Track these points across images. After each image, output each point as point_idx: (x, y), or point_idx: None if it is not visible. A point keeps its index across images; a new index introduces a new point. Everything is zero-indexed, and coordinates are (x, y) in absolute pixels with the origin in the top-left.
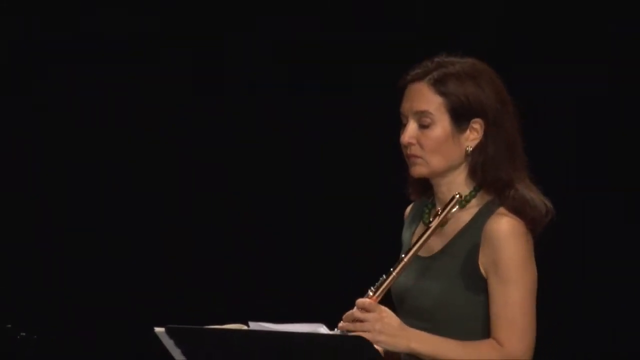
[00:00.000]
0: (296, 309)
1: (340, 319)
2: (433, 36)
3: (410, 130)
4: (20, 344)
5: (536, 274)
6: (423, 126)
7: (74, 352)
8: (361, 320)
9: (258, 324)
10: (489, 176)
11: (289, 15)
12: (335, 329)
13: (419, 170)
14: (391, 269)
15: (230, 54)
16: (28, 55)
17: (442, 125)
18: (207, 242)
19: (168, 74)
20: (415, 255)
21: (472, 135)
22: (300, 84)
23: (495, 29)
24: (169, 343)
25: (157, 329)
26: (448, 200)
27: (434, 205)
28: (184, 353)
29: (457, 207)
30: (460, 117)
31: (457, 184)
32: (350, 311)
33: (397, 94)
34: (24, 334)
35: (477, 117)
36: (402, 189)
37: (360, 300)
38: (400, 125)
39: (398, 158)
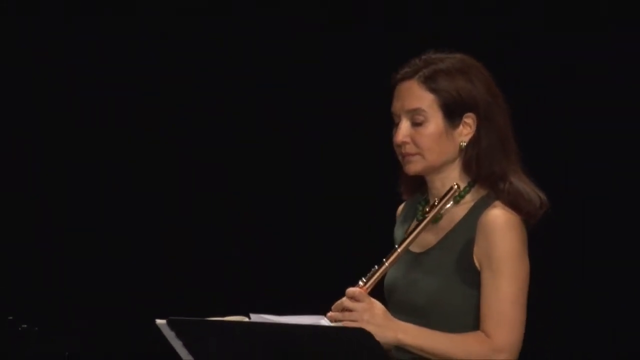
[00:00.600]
0: (296, 309)
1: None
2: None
3: (404, 129)
4: (22, 336)
5: (529, 268)
6: (416, 124)
7: (73, 347)
8: (350, 310)
9: (259, 316)
10: (483, 170)
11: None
12: (324, 319)
13: (414, 167)
14: (383, 259)
15: (230, 54)
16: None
17: (435, 122)
18: (207, 242)
19: (168, 73)
20: (408, 247)
21: (465, 130)
22: (300, 84)
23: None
24: (170, 335)
25: (159, 321)
26: (443, 194)
27: (427, 202)
28: (185, 345)
29: (452, 201)
30: (452, 112)
31: (452, 179)
32: (340, 300)
33: (387, 94)
34: (25, 326)
35: (469, 111)
36: (395, 189)
37: (350, 290)
38: (392, 125)
39: (396, 158)
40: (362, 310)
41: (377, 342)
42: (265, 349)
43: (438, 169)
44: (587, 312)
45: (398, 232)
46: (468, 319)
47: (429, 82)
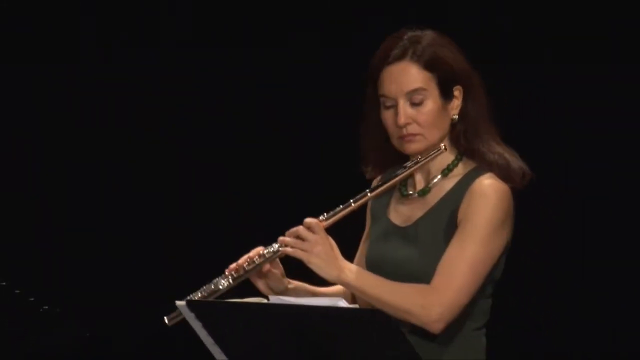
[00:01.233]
0: None
1: None
2: None
3: (405, 109)
4: (43, 317)
5: (501, 244)
6: (415, 104)
7: (94, 329)
8: (303, 239)
9: (278, 298)
10: (471, 143)
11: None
12: (274, 244)
13: (416, 147)
14: (351, 201)
15: (230, 54)
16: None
17: (433, 98)
18: (207, 242)
19: (168, 73)
20: (379, 195)
21: (456, 103)
22: (300, 84)
23: None
24: (190, 316)
25: (179, 302)
26: (430, 176)
27: (408, 178)
28: (205, 326)
29: (440, 175)
30: (446, 87)
31: (444, 154)
32: (296, 227)
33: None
34: (46, 307)
35: (458, 84)
36: (357, 168)
37: (308, 220)
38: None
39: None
40: (314, 241)
41: (395, 323)
42: (283, 329)
43: (434, 145)
44: (587, 312)
45: (376, 205)
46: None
47: (424, 60)
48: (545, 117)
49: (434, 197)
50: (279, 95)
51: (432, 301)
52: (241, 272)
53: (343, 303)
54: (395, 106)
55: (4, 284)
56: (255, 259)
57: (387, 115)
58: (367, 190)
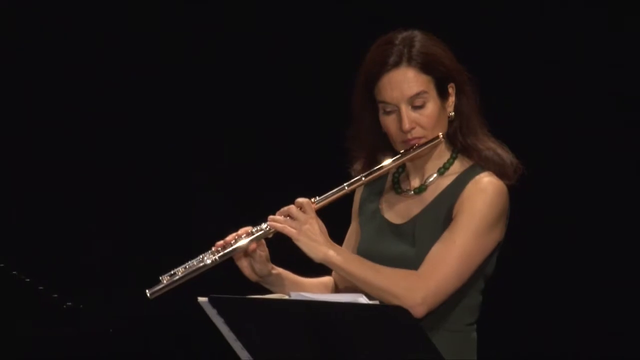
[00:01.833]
0: None
1: None
2: None
3: (408, 114)
4: (66, 313)
5: (494, 241)
6: (417, 107)
7: (117, 324)
8: (293, 218)
9: (299, 294)
10: (466, 139)
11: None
12: (362, 297)
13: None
14: (345, 184)
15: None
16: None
17: (433, 100)
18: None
19: (168, 73)
20: (373, 179)
21: (451, 100)
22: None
23: None
24: (212, 312)
25: (201, 299)
26: (426, 173)
27: (402, 173)
28: (227, 322)
29: (436, 173)
30: (442, 86)
31: (439, 151)
32: (287, 207)
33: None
34: (69, 303)
35: (452, 81)
36: (345, 166)
37: (300, 200)
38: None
39: None
40: (303, 220)
41: (415, 319)
42: (304, 325)
43: (437, 144)
44: (587, 311)
45: (368, 205)
46: (466, 284)
47: (421, 64)
48: (545, 116)
49: (430, 195)
50: (280, 95)
51: (417, 285)
52: (228, 248)
53: (363, 299)
54: (396, 111)
55: (28, 280)
56: (242, 236)
57: (388, 121)
58: (362, 175)
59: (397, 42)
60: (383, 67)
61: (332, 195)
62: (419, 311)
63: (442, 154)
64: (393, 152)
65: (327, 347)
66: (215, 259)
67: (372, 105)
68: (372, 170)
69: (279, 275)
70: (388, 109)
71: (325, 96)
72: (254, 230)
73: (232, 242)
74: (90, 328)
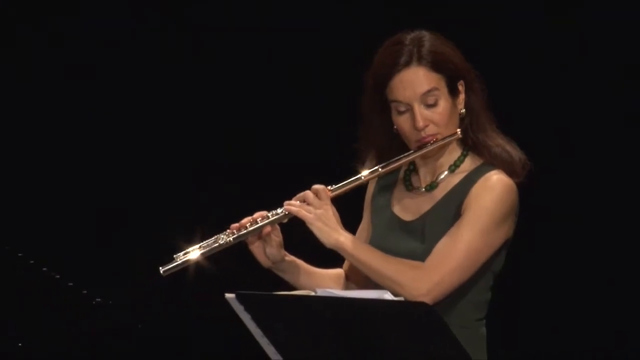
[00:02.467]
0: None
1: None
2: None
3: (421, 112)
4: (95, 309)
5: (502, 238)
6: (429, 105)
7: (146, 320)
8: (308, 204)
9: (325, 290)
10: (477, 135)
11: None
12: (388, 293)
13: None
14: (361, 174)
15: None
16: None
17: (444, 97)
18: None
19: (169, 74)
20: (391, 170)
21: (461, 97)
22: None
23: None
24: (239, 308)
25: (228, 295)
26: (437, 170)
27: (412, 170)
28: (253, 318)
29: (447, 171)
30: (453, 83)
31: (450, 149)
32: (303, 192)
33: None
34: (99, 299)
35: (461, 79)
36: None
37: (316, 186)
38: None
39: None
40: (318, 206)
41: (440, 317)
42: (330, 321)
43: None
44: (597, 309)
45: (380, 200)
46: (472, 279)
47: (431, 62)
48: (545, 116)
49: (440, 192)
50: (279, 94)
51: (422, 277)
52: (242, 230)
53: (389, 296)
54: (409, 111)
55: (57, 277)
56: (258, 219)
57: (402, 120)
58: (379, 166)
59: (406, 42)
60: (394, 67)
61: (347, 185)
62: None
63: (453, 151)
64: (404, 152)
65: (353, 343)
66: (229, 240)
67: (383, 107)
68: (389, 161)
69: (291, 262)
70: (401, 109)
71: (325, 96)
72: (269, 214)
73: (247, 224)
74: (119, 324)
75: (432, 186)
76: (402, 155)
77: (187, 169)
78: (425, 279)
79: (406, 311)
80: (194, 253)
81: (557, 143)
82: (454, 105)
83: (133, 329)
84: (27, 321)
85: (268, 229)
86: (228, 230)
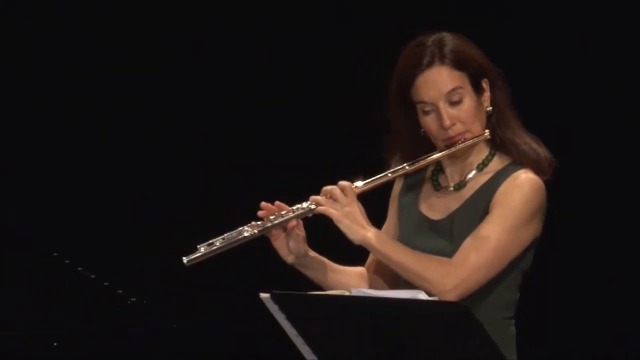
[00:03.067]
0: None
1: None
2: None
3: (447, 111)
4: (131, 308)
5: (530, 237)
6: (454, 103)
7: (181, 320)
8: (335, 200)
9: (360, 290)
10: (504, 133)
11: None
12: (422, 293)
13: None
14: (388, 172)
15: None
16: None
17: (469, 95)
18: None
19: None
20: (418, 169)
21: (486, 95)
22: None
23: None
24: (273, 308)
25: (263, 295)
26: (465, 170)
27: (440, 170)
28: (288, 318)
29: (475, 170)
30: (476, 81)
31: (478, 148)
32: (330, 187)
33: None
34: (134, 299)
35: (485, 76)
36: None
37: (343, 183)
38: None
39: None
40: (345, 203)
41: (475, 317)
42: (365, 320)
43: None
44: (587, 311)
45: (406, 199)
46: (499, 277)
47: (453, 61)
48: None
49: (468, 191)
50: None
51: (449, 272)
52: (267, 223)
53: (423, 295)
54: (434, 110)
55: (93, 277)
56: (283, 213)
57: (428, 121)
58: (405, 165)
59: (428, 43)
60: (417, 68)
61: (374, 182)
62: (449, 297)
63: (481, 150)
64: (431, 152)
65: (388, 343)
66: (254, 232)
67: (408, 109)
68: (417, 160)
69: (314, 259)
70: (427, 109)
71: (326, 96)
72: (294, 208)
73: (272, 217)
74: (154, 324)
75: (460, 185)
76: (430, 154)
77: (218, 169)
78: (452, 274)
79: (441, 311)
80: (217, 244)
81: (579, 139)
82: (479, 102)
83: (168, 329)
84: (62, 320)
85: (293, 222)
86: (252, 223)
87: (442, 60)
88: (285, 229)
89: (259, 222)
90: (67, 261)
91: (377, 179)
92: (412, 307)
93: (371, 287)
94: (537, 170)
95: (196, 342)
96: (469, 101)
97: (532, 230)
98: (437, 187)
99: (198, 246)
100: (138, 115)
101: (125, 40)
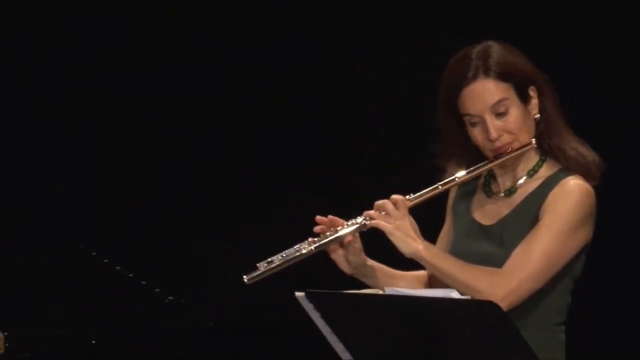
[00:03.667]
0: None
1: None
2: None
3: (493, 123)
4: (168, 307)
5: (580, 243)
6: (500, 114)
7: (217, 318)
8: (387, 213)
9: (393, 289)
10: (552, 139)
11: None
12: (455, 292)
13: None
14: (439, 184)
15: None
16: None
17: (515, 105)
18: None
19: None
20: (467, 180)
21: (534, 103)
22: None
23: None
24: (308, 307)
25: (298, 293)
26: (516, 176)
27: (492, 177)
28: (323, 316)
29: (525, 175)
30: (522, 90)
31: (528, 154)
32: (383, 201)
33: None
34: (171, 297)
35: (531, 84)
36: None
37: (395, 196)
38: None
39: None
40: (396, 216)
41: (507, 317)
42: (398, 319)
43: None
44: (588, 311)
45: (461, 206)
46: (551, 283)
47: (498, 73)
48: None
49: (519, 197)
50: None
51: (499, 282)
52: (323, 239)
53: (456, 294)
54: (481, 122)
55: (131, 275)
56: (338, 228)
57: (475, 132)
58: (456, 176)
59: (473, 56)
60: (462, 81)
61: (425, 194)
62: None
63: (531, 157)
64: (482, 161)
65: (420, 341)
66: (311, 249)
67: (456, 120)
68: (467, 171)
69: (373, 267)
70: (473, 121)
71: (326, 96)
72: (348, 223)
73: (328, 233)
74: (191, 322)
75: (510, 191)
76: (478, 165)
77: (218, 169)
78: (503, 284)
79: (474, 310)
80: (276, 262)
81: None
82: (526, 111)
83: (205, 328)
84: (101, 319)
85: (349, 237)
86: (309, 239)
87: (486, 72)
88: (342, 244)
89: (315, 239)
90: (105, 260)
91: (428, 191)
92: (444, 306)
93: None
94: (585, 176)
95: (233, 340)
96: (515, 111)
97: (581, 237)
98: (489, 193)
99: (257, 264)
100: (138, 115)
101: (125, 40)
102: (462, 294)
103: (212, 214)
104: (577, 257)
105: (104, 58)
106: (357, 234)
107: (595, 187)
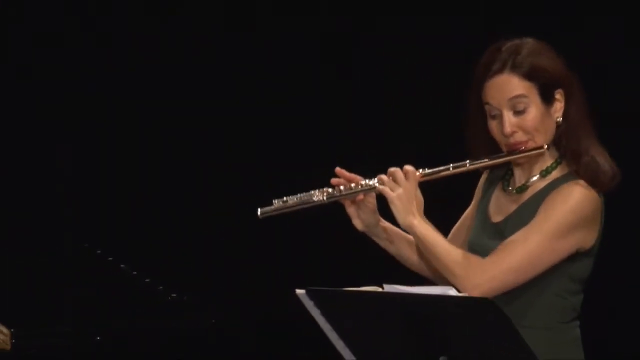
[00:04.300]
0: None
1: None
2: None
3: (509, 119)
4: (171, 305)
5: (569, 248)
6: (518, 112)
7: (220, 316)
8: (395, 181)
9: (392, 286)
10: (570, 144)
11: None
12: (452, 289)
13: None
14: (450, 165)
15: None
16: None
17: (535, 105)
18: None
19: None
20: (478, 167)
21: (558, 106)
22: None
23: None
24: (309, 304)
25: (298, 291)
26: (530, 174)
27: (511, 175)
28: (323, 313)
29: (538, 175)
30: (547, 92)
31: (545, 155)
32: (395, 169)
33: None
34: (174, 295)
35: (559, 87)
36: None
37: (407, 167)
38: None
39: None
40: (403, 186)
41: (504, 314)
42: (397, 317)
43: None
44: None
45: (483, 203)
46: (544, 283)
47: (523, 71)
48: None
49: (527, 195)
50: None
51: (475, 270)
52: (335, 193)
53: (453, 292)
54: (499, 115)
55: (135, 273)
56: (352, 185)
57: (493, 125)
58: (467, 161)
59: (503, 49)
60: (488, 72)
61: (437, 173)
62: (472, 294)
63: (547, 158)
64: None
65: (420, 338)
66: (322, 198)
67: (480, 107)
68: (479, 160)
69: (385, 228)
70: (493, 113)
71: (326, 96)
72: (363, 183)
73: (342, 187)
74: (195, 320)
75: (521, 188)
76: (491, 157)
77: (218, 169)
78: (478, 273)
79: (470, 307)
80: (290, 201)
81: None
82: (547, 113)
83: (208, 325)
84: (105, 316)
85: (360, 196)
86: (325, 189)
87: (512, 68)
88: (354, 200)
89: (329, 190)
90: (110, 258)
91: (440, 170)
92: (442, 303)
93: None
94: (592, 183)
95: (236, 339)
96: (534, 111)
97: (573, 241)
98: (506, 188)
99: (273, 200)
100: (138, 115)
101: (125, 40)
102: (443, 274)
103: (212, 214)
104: (572, 259)
105: (104, 58)
106: (373, 194)
107: (604, 194)
